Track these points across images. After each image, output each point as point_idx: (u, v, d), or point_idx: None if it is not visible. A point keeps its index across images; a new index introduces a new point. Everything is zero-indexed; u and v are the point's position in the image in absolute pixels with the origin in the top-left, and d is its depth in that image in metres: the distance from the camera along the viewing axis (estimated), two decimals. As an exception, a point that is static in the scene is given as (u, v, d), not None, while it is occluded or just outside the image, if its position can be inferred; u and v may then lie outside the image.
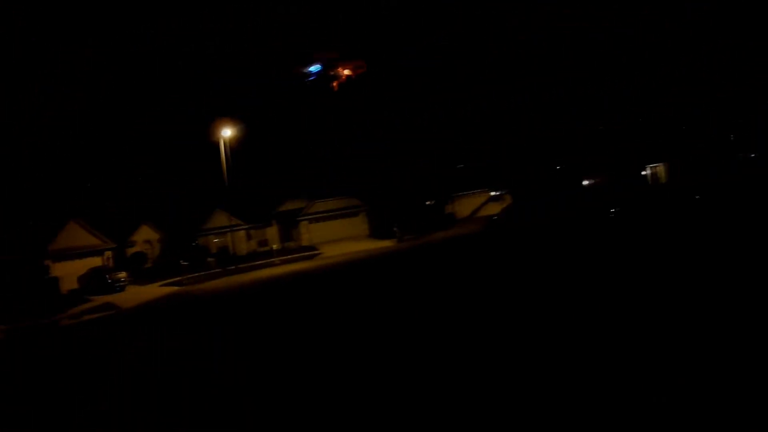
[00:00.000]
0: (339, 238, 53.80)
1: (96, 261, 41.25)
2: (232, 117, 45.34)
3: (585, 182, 61.32)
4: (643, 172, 62.76)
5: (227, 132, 43.42)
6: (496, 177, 65.47)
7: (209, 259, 43.33)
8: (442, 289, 20.67)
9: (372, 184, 60.23)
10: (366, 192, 59.66)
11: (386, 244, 48.40)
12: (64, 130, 47.08)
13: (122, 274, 36.89)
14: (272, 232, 54.33)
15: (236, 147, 45.19)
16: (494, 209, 59.29)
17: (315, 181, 59.28)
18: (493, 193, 65.97)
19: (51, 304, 30.80)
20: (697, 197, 36.63)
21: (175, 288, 35.48)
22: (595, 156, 62.30)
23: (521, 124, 65.03)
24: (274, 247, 49.37)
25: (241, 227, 50.67)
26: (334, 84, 53.00)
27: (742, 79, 47.18)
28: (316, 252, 47.26)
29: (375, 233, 55.34)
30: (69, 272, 38.92)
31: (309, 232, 54.57)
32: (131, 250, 45.98)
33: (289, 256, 45.88)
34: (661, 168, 61.19)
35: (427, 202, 63.74)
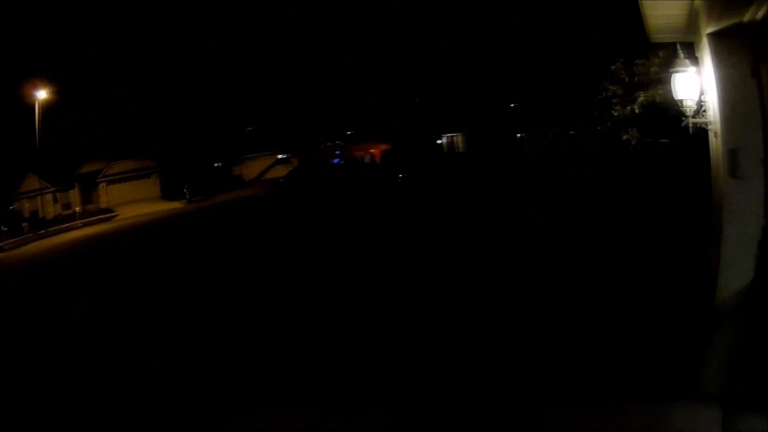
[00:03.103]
0: (134, 200, 58.70)
1: None
2: (42, 78, 47.04)
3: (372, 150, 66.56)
4: (438, 141, 66.07)
5: (42, 94, 45.52)
6: (284, 141, 69.74)
7: (24, 224, 47.36)
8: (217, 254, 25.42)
9: (165, 145, 63.44)
10: (159, 153, 62.84)
11: (176, 205, 53.18)
12: None
13: None
14: (75, 195, 58.09)
15: (45, 107, 47.30)
16: (281, 172, 64.81)
17: (114, 141, 61.91)
18: (279, 156, 70.65)
19: None
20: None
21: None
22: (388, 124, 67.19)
23: (310, 91, 69.23)
24: (77, 209, 53.96)
25: (48, 190, 54.62)
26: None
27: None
28: (113, 214, 53.01)
29: (166, 195, 59.63)
30: None
31: (107, 194, 59.48)
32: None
33: (91, 219, 51.22)
34: (458, 137, 65.02)
35: (216, 164, 68.54)
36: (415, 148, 62.20)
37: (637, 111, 14.78)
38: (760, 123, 7.35)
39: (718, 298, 7.64)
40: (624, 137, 16.54)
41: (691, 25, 8.59)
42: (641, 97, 14.03)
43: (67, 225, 49.28)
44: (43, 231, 46.56)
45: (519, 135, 58.38)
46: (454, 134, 66.28)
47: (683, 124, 8.66)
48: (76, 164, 59.71)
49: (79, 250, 35.98)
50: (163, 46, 65.17)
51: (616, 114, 16.33)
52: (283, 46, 67.00)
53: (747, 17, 6.84)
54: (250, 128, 74.00)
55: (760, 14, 6.60)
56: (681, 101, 8.61)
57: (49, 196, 55.33)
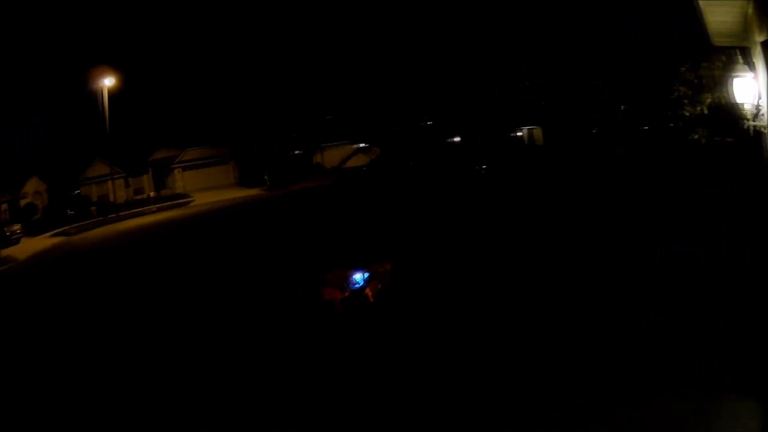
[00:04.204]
0: (210, 186, 57.23)
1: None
2: (108, 64, 46.13)
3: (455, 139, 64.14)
4: (519, 133, 64.02)
5: (109, 81, 45.21)
6: (365, 129, 67.29)
7: (92, 208, 46.18)
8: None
9: (242, 132, 61.99)
10: (236, 140, 61.61)
11: (255, 192, 52.29)
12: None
13: (17, 227, 38.76)
14: (148, 180, 56.75)
15: (112, 94, 46.42)
16: (362, 161, 63.30)
17: (188, 128, 60.26)
18: (361, 145, 68.51)
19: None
20: None
21: (61, 239, 38.53)
22: (464, 114, 63.62)
23: (391, 78, 66.17)
24: (151, 194, 52.47)
25: (119, 176, 53.20)
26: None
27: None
28: (189, 200, 51.28)
29: (243, 181, 58.85)
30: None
31: (182, 180, 57.94)
32: (24, 202, 47.42)
33: (164, 204, 49.64)
34: (537, 130, 63.33)
35: (295, 152, 66.16)
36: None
37: (705, 112, 15.80)
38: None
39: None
40: (695, 137, 17.28)
41: (747, 31, 9.26)
42: (709, 99, 15.06)
43: (139, 210, 48.39)
44: (113, 215, 45.75)
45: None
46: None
47: (745, 126, 9.46)
48: (148, 151, 58.62)
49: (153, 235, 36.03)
50: (237, 31, 64.63)
51: (687, 114, 17.18)
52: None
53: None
54: (330, 116, 71.02)
55: None
56: (741, 104, 9.29)
57: (121, 181, 54.08)
